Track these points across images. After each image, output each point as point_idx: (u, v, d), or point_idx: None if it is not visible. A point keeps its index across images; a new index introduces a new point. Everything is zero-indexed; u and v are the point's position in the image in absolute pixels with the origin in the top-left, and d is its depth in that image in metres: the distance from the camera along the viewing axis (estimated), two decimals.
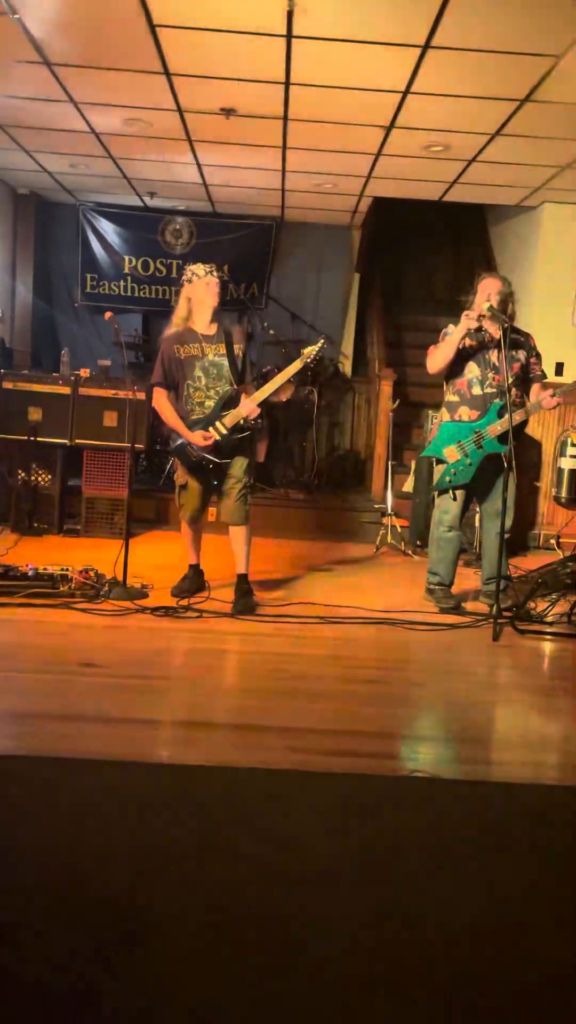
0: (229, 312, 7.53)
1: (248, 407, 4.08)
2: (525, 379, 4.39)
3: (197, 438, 4.08)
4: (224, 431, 4.09)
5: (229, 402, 4.12)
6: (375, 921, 1.83)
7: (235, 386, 4.14)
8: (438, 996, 1.62)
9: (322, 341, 4.31)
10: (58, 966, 1.62)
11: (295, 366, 4.20)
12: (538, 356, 4.43)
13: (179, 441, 4.16)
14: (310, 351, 4.20)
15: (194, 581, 4.38)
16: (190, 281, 4.11)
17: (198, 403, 4.14)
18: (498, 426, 4.20)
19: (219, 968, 1.65)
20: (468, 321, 4.15)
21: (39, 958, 1.65)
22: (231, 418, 4.09)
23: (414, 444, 7.02)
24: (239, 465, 4.17)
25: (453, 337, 4.24)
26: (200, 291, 4.10)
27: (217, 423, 4.10)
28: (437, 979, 1.67)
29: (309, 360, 4.19)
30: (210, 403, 4.13)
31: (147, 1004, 1.54)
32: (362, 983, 1.64)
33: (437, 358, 4.31)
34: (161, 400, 4.16)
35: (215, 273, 4.13)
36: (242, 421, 4.10)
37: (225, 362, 4.12)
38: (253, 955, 1.69)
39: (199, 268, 4.12)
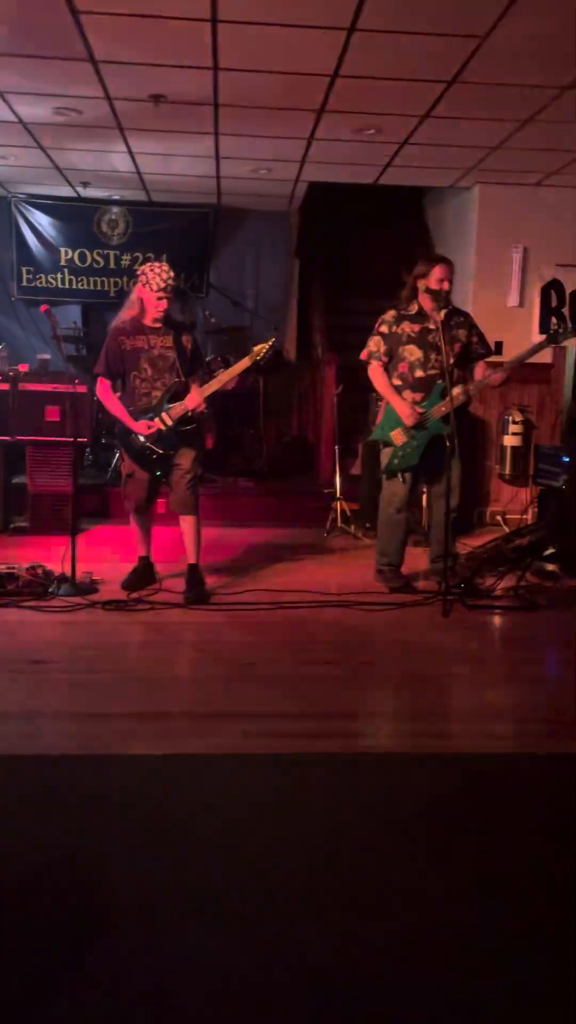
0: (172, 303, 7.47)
1: (194, 400, 4.08)
2: (467, 358, 4.45)
3: (141, 427, 4.07)
4: (169, 423, 4.08)
5: (176, 394, 4.11)
6: (337, 898, 1.87)
7: (182, 378, 4.12)
8: (401, 969, 1.66)
9: (272, 340, 4.31)
10: (21, 960, 1.62)
11: (243, 363, 4.19)
12: (480, 334, 4.50)
13: (126, 429, 4.14)
14: (260, 349, 4.19)
15: (144, 574, 4.36)
16: (145, 284, 4.08)
17: (144, 394, 4.13)
18: (442, 407, 4.26)
19: (180, 953, 1.66)
20: (409, 416, 4.27)
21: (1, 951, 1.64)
22: (177, 410, 4.08)
23: (361, 428, 7.07)
24: (187, 456, 4.15)
25: (386, 393, 4.37)
26: (150, 301, 4.10)
27: (163, 414, 4.09)
28: (400, 953, 1.71)
29: (259, 359, 4.19)
30: (156, 394, 4.12)
31: (107, 995, 1.55)
32: (324, 960, 1.67)
33: (375, 382, 4.45)
34: (104, 390, 4.17)
35: (171, 276, 4.09)
36: (188, 413, 4.09)
37: (172, 354, 4.12)
38: (215, 938, 1.71)
39: (155, 279, 4.05)
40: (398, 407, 4.31)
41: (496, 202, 6.67)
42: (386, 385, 4.38)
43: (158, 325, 4.14)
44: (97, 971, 1.59)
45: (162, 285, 4.05)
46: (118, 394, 4.18)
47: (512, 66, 4.39)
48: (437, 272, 4.29)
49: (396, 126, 5.46)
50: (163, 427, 4.08)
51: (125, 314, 4.19)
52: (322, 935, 1.72)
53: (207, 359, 6.34)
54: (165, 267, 4.10)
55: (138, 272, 4.17)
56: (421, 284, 4.33)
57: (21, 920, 1.75)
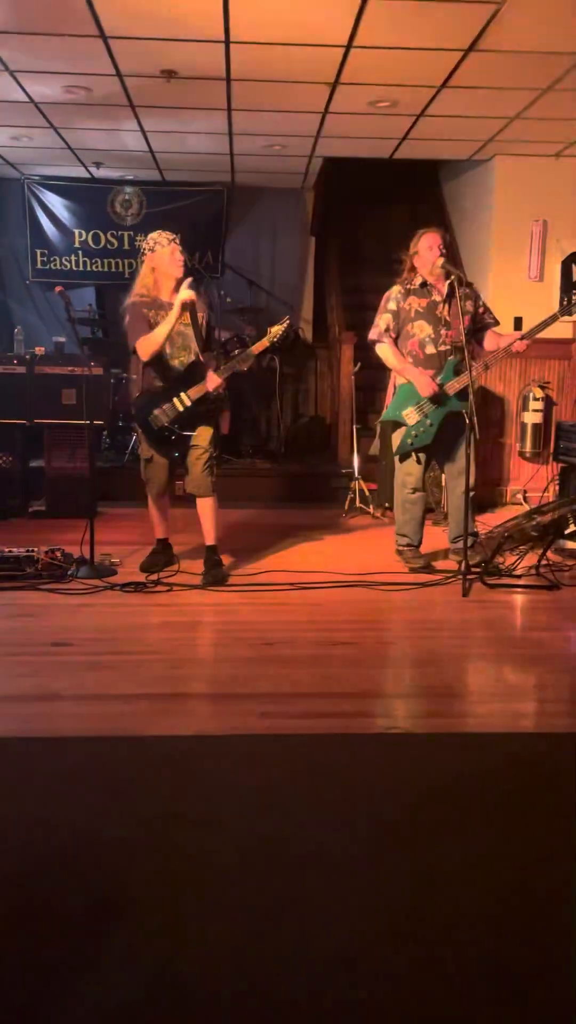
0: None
1: (214, 382, 4.03)
2: (476, 329, 4.38)
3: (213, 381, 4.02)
4: (188, 403, 4.04)
5: (195, 374, 4.06)
6: (358, 881, 1.86)
7: (199, 358, 4.07)
8: (422, 950, 1.65)
9: (287, 320, 4.25)
10: (36, 952, 1.63)
11: (261, 345, 4.15)
12: (485, 305, 4.43)
13: (144, 411, 4.09)
14: (276, 330, 4.13)
15: (162, 556, 4.35)
16: (152, 250, 4.03)
17: (161, 373, 4.07)
18: (456, 383, 4.20)
19: (201, 937, 1.66)
20: (427, 387, 4.18)
21: (14, 947, 1.65)
22: (196, 391, 4.03)
23: (379, 407, 7.00)
24: (204, 436, 4.12)
25: (401, 368, 4.26)
26: (164, 261, 4.04)
27: (182, 394, 4.04)
28: (422, 934, 1.70)
29: (276, 339, 4.14)
30: (174, 373, 4.07)
31: (126, 988, 1.55)
32: (347, 945, 1.66)
33: (388, 359, 4.36)
34: (144, 344, 3.95)
35: (177, 242, 4.05)
36: (207, 394, 4.05)
37: (190, 331, 4.05)
38: (237, 922, 1.71)
39: (162, 237, 4.04)
40: (416, 379, 4.24)
41: (514, 174, 6.55)
42: (400, 360, 4.31)
43: (174, 300, 4.04)
44: (114, 954, 1.59)
45: (171, 236, 4.02)
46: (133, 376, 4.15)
47: (531, 32, 4.29)
48: (424, 240, 4.24)
49: (412, 98, 5.36)
50: (181, 408, 4.03)
51: (140, 287, 4.09)
52: (341, 918, 1.71)
53: (224, 339, 6.30)
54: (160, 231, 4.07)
55: (142, 251, 4.12)
56: (417, 261, 4.28)
57: (39, 902, 1.76)
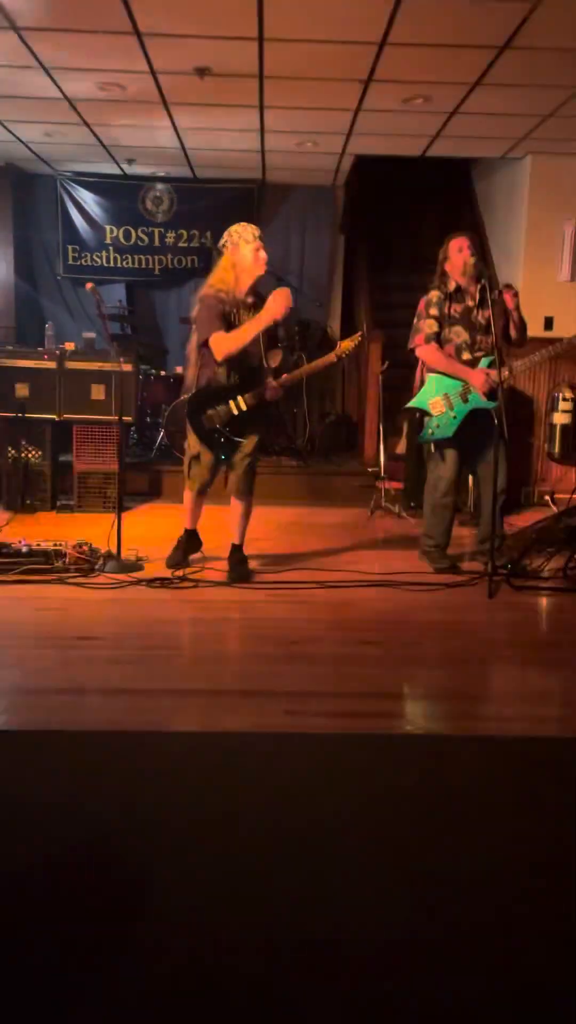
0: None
1: (272, 391, 4.01)
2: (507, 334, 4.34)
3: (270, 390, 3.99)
4: (243, 408, 4.00)
5: (254, 379, 4.02)
6: (378, 881, 1.86)
7: (264, 363, 4.03)
8: (440, 953, 1.65)
9: (360, 336, 4.21)
10: (64, 939, 1.65)
11: (328, 359, 4.10)
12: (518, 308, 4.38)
13: (198, 409, 4.04)
14: (346, 346, 4.07)
15: (188, 545, 4.33)
16: (236, 245, 3.92)
17: (225, 373, 4.01)
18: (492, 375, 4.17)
19: (224, 934, 1.67)
20: (484, 384, 4.14)
21: (45, 933, 1.67)
22: (253, 397, 4.00)
23: (406, 407, 6.97)
24: (251, 440, 4.09)
25: (453, 368, 4.20)
26: (247, 260, 3.93)
27: (239, 398, 4.00)
28: (439, 936, 1.69)
29: (343, 355, 4.08)
30: (236, 375, 4.00)
31: (153, 973, 1.56)
32: (365, 944, 1.66)
33: (436, 363, 4.28)
34: (222, 343, 3.85)
35: (262, 239, 3.95)
36: (265, 399, 4.03)
37: (260, 334, 3.94)
38: (259, 916, 1.71)
39: (247, 231, 3.91)
40: (469, 376, 4.19)
41: (548, 173, 6.49)
42: (447, 360, 4.25)
43: (251, 299, 3.97)
44: (138, 946, 1.61)
45: (257, 233, 3.93)
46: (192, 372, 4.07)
47: (566, 29, 4.24)
48: (454, 245, 4.22)
49: (445, 95, 5.33)
50: (235, 412, 4.00)
51: (220, 284, 3.94)
52: (362, 914, 1.72)
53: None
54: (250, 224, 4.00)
55: (222, 243, 3.98)
56: (448, 267, 4.26)
57: (66, 889, 1.78)
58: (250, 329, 3.84)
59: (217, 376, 4.02)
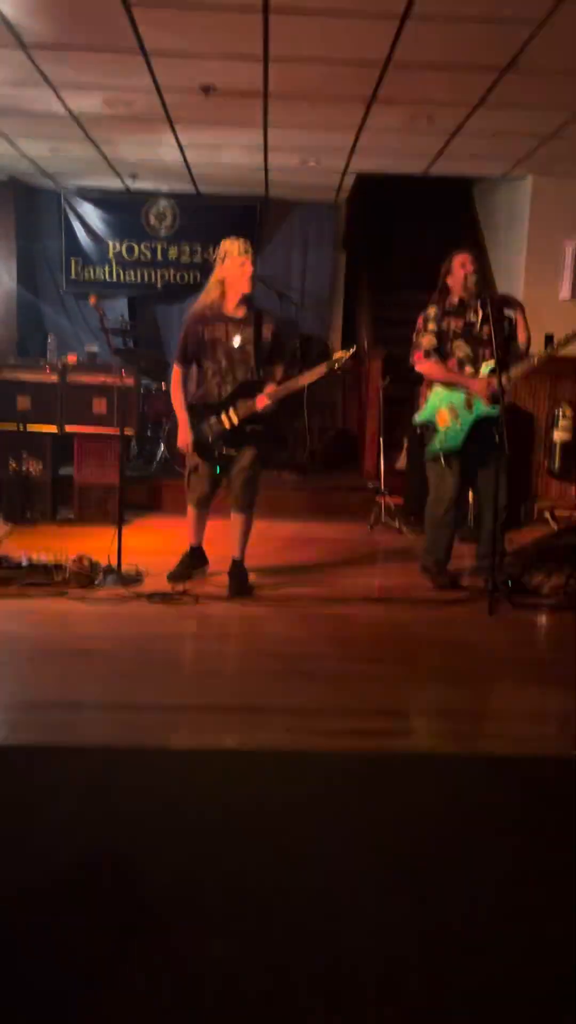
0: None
1: (262, 403, 4.02)
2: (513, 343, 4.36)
3: (184, 436, 4.08)
4: (235, 421, 4.03)
5: (245, 392, 4.03)
6: (378, 899, 1.84)
7: (255, 376, 4.04)
8: (443, 971, 1.63)
9: (354, 348, 4.20)
10: (67, 957, 1.63)
11: (319, 370, 4.09)
12: (515, 325, 4.39)
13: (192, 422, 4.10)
14: (340, 356, 4.08)
15: (192, 561, 4.34)
16: (223, 260, 3.95)
17: (216, 387, 4.06)
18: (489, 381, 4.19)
19: (222, 954, 1.66)
20: (485, 390, 4.18)
21: (48, 951, 1.65)
22: (244, 409, 4.02)
23: (405, 423, 6.99)
24: (248, 454, 4.10)
25: (452, 379, 4.24)
26: (234, 273, 3.96)
27: (230, 411, 4.03)
28: (442, 955, 1.68)
29: (336, 367, 4.08)
30: (228, 388, 4.04)
31: (151, 992, 1.55)
32: (368, 960, 1.65)
33: (436, 376, 4.32)
34: (175, 379, 4.14)
35: (250, 253, 3.97)
36: (255, 413, 4.03)
37: (250, 348, 4.00)
38: (255, 933, 1.70)
39: (234, 247, 3.94)
40: (471, 385, 4.22)
41: (549, 193, 6.53)
42: (447, 373, 4.28)
43: (240, 314, 4.01)
44: (140, 964, 1.59)
45: (244, 247, 3.94)
46: (192, 386, 4.13)
47: (569, 51, 4.28)
48: (457, 261, 4.25)
49: (448, 115, 5.37)
50: (227, 427, 4.03)
51: (206, 299, 4.04)
52: (363, 933, 1.70)
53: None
54: (241, 239, 4.01)
55: (214, 256, 4.04)
56: (450, 281, 4.29)
57: (62, 911, 1.76)
58: (178, 410, 4.11)
59: (209, 390, 4.04)
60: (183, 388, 4.12)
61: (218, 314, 4.01)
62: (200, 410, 4.07)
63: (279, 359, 4.18)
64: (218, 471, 4.12)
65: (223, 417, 4.02)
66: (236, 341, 4.01)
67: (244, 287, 3.98)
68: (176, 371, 4.13)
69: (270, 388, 4.05)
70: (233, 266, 3.95)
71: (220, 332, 4.00)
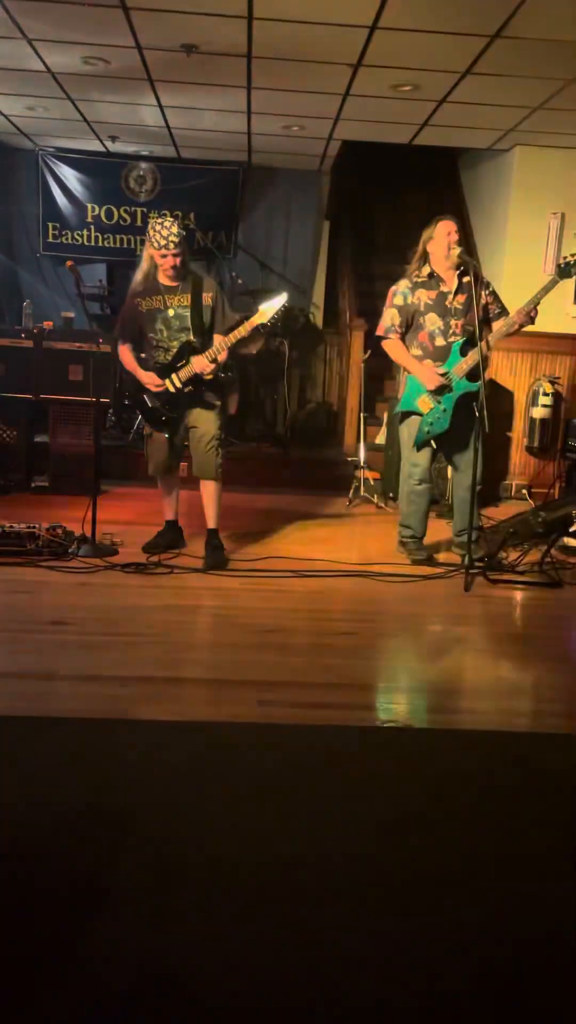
0: (198, 261, 7.32)
1: (200, 364, 3.98)
2: (485, 319, 4.31)
3: (148, 377, 4.05)
4: (178, 384, 4.03)
5: (186, 356, 4.03)
6: (348, 875, 1.84)
7: (196, 339, 4.03)
8: (419, 941, 1.64)
9: (284, 302, 3.98)
10: (22, 929, 1.62)
11: (248, 325, 3.93)
12: (494, 293, 4.37)
13: (139, 389, 4.12)
14: (268, 309, 3.90)
15: (168, 537, 4.33)
16: (150, 242, 3.94)
17: (158, 355, 4.07)
18: (464, 364, 4.16)
19: (188, 929, 1.65)
20: (431, 380, 4.19)
21: (13, 923, 1.63)
22: (185, 372, 4.02)
23: (387, 396, 6.96)
24: (204, 418, 4.09)
25: (407, 364, 4.25)
26: (156, 259, 3.97)
27: (173, 376, 4.03)
28: (414, 928, 1.68)
29: (266, 322, 3.95)
30: (170, 356, 4.05)
31: (113, 968, 1.54)
32: (339, 942, 1.65)
33: (394, 355, 4.34)
34: (123, 353, 4.18)
35: (175, 231, 3.88)
36: (197, 375, 4.00)
37: (188, 314, 4.01)
38: (225, 915, 1.69)
39: (156, 236, 3.88)
40: (420, 374, 4.22)
41: (535, 165, 6.47)
42: (405, 356, 4.30)
43: (175, 283, 4.02)
44: (99, 946, 1.58)
45: (163, 242, 3.88)
46: (143, 355, 4.13)
47: (558, 20, 4.21)
48: (442, 228, 4.18)
49: (435, 83, 5.28)
50: (172, 389, 4.03)
51: (139, 274, 4.08)
52: (333, 914, 1.70)
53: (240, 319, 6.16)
54: (168, 222, 3.92)
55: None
56: (431, 247, 4.22)
57: (24, 884, 1.74)
58: (133, 369, 4.14)
59: (151, 357, 4.08)
60: (133, 356, 4.14)
61: (153, 286, 4.03)
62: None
63: (220, 328, 4.09)
64: (169, 437, 4.13)
65: (167, 382, 4.03)
66: (173, 308, 4.02)
67: (164, 277, 4.01)
68: (122, 346, 4.16)
69: (208, 352, 4.01)
70: (156, 254, 3.95)
71: (157, 303, 4.01)
